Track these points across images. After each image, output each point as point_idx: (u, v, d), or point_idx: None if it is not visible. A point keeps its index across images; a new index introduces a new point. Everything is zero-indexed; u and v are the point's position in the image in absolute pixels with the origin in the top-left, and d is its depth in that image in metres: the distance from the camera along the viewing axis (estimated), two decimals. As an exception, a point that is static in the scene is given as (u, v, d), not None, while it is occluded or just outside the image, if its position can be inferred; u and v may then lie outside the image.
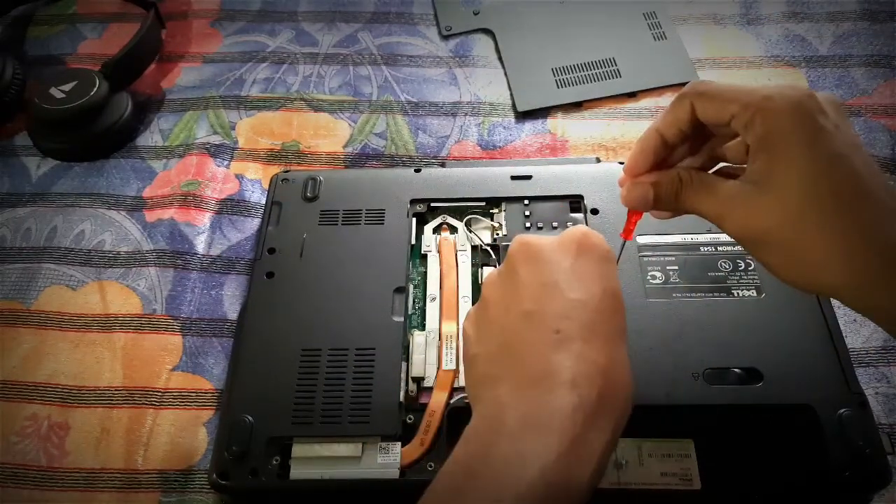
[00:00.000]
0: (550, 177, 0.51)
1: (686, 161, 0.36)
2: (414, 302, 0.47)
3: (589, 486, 0.28)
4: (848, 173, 0.28)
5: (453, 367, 0.43)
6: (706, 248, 0.47)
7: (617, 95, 0.60)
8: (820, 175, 0.28)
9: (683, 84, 0.59)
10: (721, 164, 0.35)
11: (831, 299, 0.44)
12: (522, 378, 0.30)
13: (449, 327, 0.45)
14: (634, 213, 0.36)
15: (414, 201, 0.50)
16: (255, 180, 0.56)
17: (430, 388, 0.42)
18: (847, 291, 0.29)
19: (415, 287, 0.47)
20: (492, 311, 0.34)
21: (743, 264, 0.46)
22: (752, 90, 0.30)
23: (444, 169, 0.53)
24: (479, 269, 0.48)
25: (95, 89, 0.56)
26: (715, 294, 0.44)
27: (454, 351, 0.44)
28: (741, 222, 0.31)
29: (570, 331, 0.31)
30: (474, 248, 0.49)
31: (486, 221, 0.50)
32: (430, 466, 0.40)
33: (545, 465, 0.27)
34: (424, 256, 0.49)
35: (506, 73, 0.62)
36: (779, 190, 0.29)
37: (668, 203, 0.34)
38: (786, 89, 0.29)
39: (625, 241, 0.37)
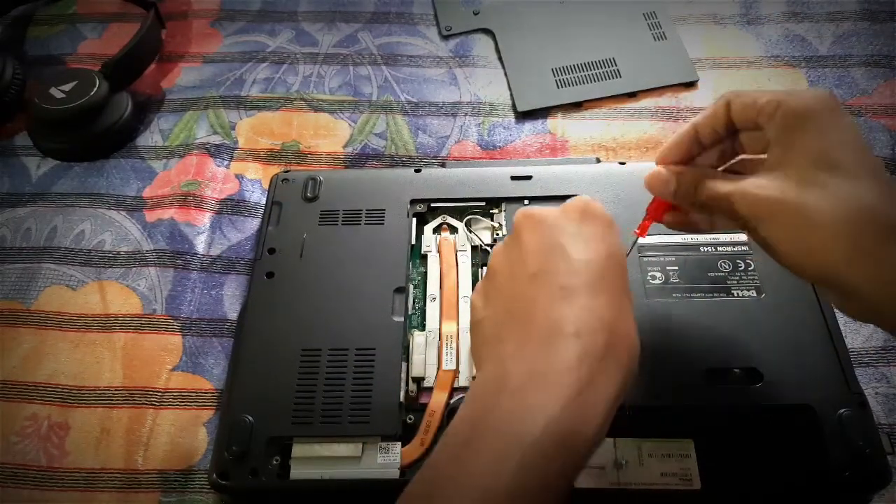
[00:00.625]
0: (550, 177, 0.51)
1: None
2: (414, 302, 0.47)
3: (595, 438, 0.28)
4: (858, 149, 0.30)
5: (453, 367, 0.43)
6: (706, 248, 0.47)
7: (617, 95, 0.60)
8: (833, 147, 0.30)
9: (683, 84, 0.60)
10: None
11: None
12: (527, 334, 0.31)
13: (449, 327, 0.45)
14: (653, 212, 0.38)
15: (414, 201, 0.50)
16: (255, 180, 0.56)
17: (430, 388, 0.42)
18: (843, 266, 0.30)
19: (415, 287, 0.47)
20: (498, 278, 0.35)
21: (743, 264, 0.46)
22: (780, 90, 0.33)
23: (444, 169, 0.53)
24: (479, 269, 0.48)
25: (95, 89, 0.56)
26: (715, 294, 0.44)
27: (454, 351, 0.44)
28: (753, 197, 0.31)
29: (576, 287, 0.31)
30: (474, 248, 0.49)
31: (486, 221, 0.50)
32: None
33: (550, 417, 0.28)
34: (424, 256, 0.49)
35: (506, 73, 0.62)
36: (795, 159, 0.31)
37: (686, 193, 0.35)
38: (810, 90, 0.32)
39: (636, 239, 0.39)
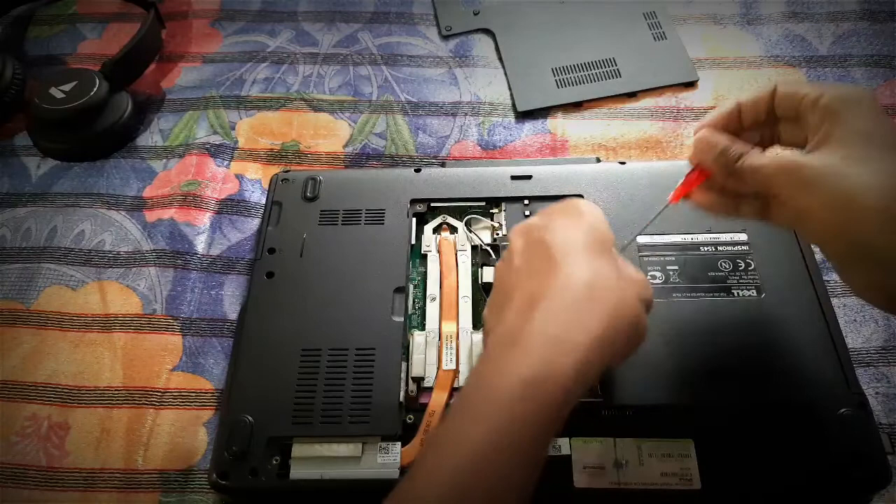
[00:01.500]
0: (550, 177, 0.51)
1: None
2: (414, 302, 0.47)
3: (576, 375, 0.30)
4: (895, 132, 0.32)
5: (453, 367, 0.43)
6: (706, 248, 0.47)
7: (617, 95, 0.60)
8: (873, 128, 0.32)
9: (683, 84, 0.60)
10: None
11: (830, 303, 0.44)
12: (508, 309, 0.33)
13: (449, 327, 0.45)
14: (690, 180, 0.38)
15: (414, 201, 0.50)
16: (255, 180, 0.56)
17: (430, 388, 0.42)
18: (878, 236, 0.30)
19: (415, 287, 0.47)
20: (500, 289, 0.36)
21: (743, 264, 0.46)
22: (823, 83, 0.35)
23: (444, 169, 0.53)
24: (479, 269, 0.48)
25: (95, 89, 0.56)
26: (715, 294, 0.44)
27: (454, 351, 0.44)
28: (795, 165, 0.33)
29: (552, 261, 0.33)
30: (474, 248, 0.49)
31: (486, 221, 0.50)
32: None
33: (521, 370, 0.30)
34: (424, 256, 0.49)
35: (506, 73, 0.62)
36: (836, 138, 0.32)
37: (728, 160, 0.35)
38: (850, 84, 0.35)
39: (666, 205, 0.39)
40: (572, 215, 0.36)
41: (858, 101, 0.32)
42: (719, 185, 0.38)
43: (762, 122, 0.37)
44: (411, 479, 0.30)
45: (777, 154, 0.34)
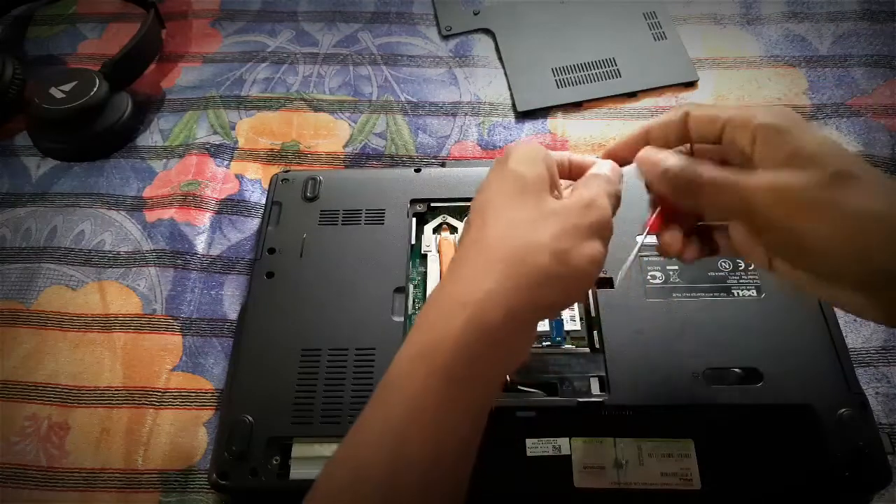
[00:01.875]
0: (550, 177, 0.51)
1: None
2: (414, 302, 0.47)
3: (474, 333, 0.29)
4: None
5: (453, 367, 0.43)
6: (706, 248, 0.47)
7: (617, 95, 0.60)
8: (832, 148, 0.29)
9: (683, 84, 0.60)
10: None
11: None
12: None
13: (449, 327, 0.45)
14: (655, 222, 0.35)
15: (414, 201, 0.50)
16: (255, 180, 0.56)
17: (430, 388, 0.42)
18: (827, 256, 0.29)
19: (415, 287, 0.47)
20: None
21: (743, 264, 0.46)
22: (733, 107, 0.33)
23: (444, 169, 0.53)
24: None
25: (95, 89, 0.56)
26: (715, 294, 0.44)
27: (454, 351, 0.43)
28: (786, 189, 0.29)
29: (478, 213, 0.33)
30: (474, 248, 0.49)
31: (486, 221, 0.50)
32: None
33: (413, 339, 0.31)
34: (424, 256, 0.49)
35: (506, 73, 0.62)
36: (805, 160, 0.29)
37: (685, 176, 0.32)
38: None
39: (638, 248, 0.35)
40: (497, 167, 0.34)
41: (796, 125, 0.30)
42: (682, 216, 0.35)
43: (671, 146, 0.34)
44: (354, 433, 0.31)
45: (754, 175, 0.30)
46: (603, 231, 0.32)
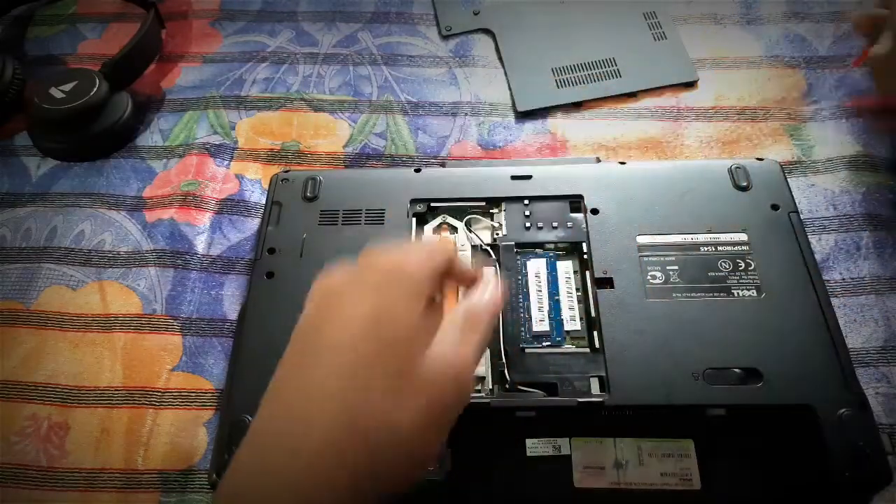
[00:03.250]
0: (550, 177, 0.51)
1: None
2: (414, 302, 0.47)
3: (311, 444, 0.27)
4: None
5: (453, 367, 0.43)
6: (706, 248, 0.47)
7: (617, 95, 0.60)
8: None
9: (683, 84, 0.60)
10: None
11: (830, 303, 0.44)
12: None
13: (449, 327, 0.45)
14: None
15: (414, 201, 0.50)
16: (255, 180, 0.56)
17: (430, 388, 0.42)
18: None
19: (415, 287, 0.47)
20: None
21: (743, 264, 0.46)
22: None
23: (444, 169, 0.53)
24: (479, 270, 0.48)
25: (95, 89, 0.56)
26: (715, 294, 0.44)
27: (454, 351, 0.43)
28: None
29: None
30: (474, 247, 0.49)
31: (486, 221, 0.50)
32: (430, 467, 0.39)
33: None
34: (424, 256, 0.49)
35: (506, 73, 0.62)
36: None
37: None
38: None
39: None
40: (362, 291, 0.30)
41: None
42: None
43: None
44: None
45: None
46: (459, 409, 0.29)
